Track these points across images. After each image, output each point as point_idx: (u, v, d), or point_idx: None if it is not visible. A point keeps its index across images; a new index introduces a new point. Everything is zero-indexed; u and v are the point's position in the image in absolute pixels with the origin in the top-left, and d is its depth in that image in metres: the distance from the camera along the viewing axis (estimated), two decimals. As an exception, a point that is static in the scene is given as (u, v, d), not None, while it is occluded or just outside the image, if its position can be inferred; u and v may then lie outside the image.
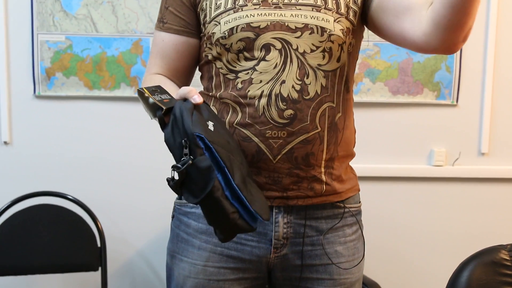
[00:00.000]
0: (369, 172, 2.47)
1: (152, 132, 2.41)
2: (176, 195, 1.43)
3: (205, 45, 1.35)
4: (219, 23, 1.30)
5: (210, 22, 1.32)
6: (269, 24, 1.28)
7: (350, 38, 1.34)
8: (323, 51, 1.29)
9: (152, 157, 2.44)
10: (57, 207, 2.27)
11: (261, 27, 1.28)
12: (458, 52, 2.48)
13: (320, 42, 1.29)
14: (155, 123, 2.45)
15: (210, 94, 1.34)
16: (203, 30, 1.34)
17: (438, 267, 2.57)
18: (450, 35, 1.20)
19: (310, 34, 1.29)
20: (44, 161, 2.40)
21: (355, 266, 1.38)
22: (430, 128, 2.54)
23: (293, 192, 1.31)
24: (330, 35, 1.29)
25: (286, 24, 1.28)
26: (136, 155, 2.44)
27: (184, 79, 1.42)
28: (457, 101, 2.53)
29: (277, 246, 1.33)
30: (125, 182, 2.44)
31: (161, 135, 2.39)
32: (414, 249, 2.60)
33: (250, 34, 1.28)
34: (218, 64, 1.32)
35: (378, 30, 1.37)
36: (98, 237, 2.26)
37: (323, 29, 1.29)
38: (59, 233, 2.24)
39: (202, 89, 1.39)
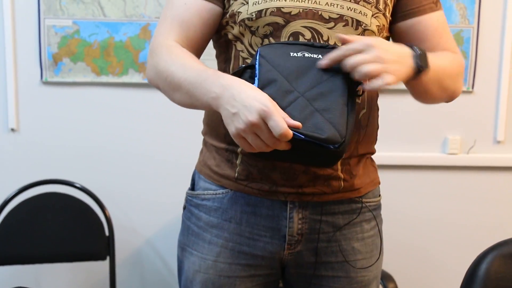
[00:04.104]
0: (381, 161, 2.38)
1: (161, 120, 2.38)
2: (188, 185, 1.39)
3: (225, 23, 1.25)
4: (247, 3, 1.20)
5: (236, 0, 1.22)
6: (301, 11, 1.19)
7: (382, 36, 1.27)
8: None
9: (161, 145, 2.40)
10: (64, 196, 2.24)
11: (292, 13, 1.19)
12: (475, 38, 2.42)
13: None
14: (163, 112, 2.40)
15: (240, 65, 1.24)
16: (227, 6, 1.24)
17: (454, 259, 2.52)
18: (427, 102, 1.34)
19: (343, 26, 1.21)
20: (51, 149, 2.37)
21: (373, 264, 1.33)
22: (444, 115, 2.48)
23: (309, 189, 1.25)
24: (364, 30, 1.22)
25: (320, 13, 1.20)
26: (144, 143, 2.40)
27: (199, 50, 1.29)
28: (472, 87, 2.48)
29: (291, 243, 1.28)
30: (134, 171, 2.41)
31: (170, 123, 2.36)
32: (428, 240, 2.55)
33: (280, 20, 1.19)
34: (239, 46, 1.24)
35: (397, 42, 1.31)
36: (106, 226, 2.23)
37: (358, 23, 1.21)
38: (67, 221, 2.21)
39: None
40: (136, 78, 2.35)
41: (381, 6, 1.24)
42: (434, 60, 1.18)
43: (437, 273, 2.57)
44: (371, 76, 1.07)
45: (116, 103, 2.37)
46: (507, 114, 2.50)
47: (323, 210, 1.27)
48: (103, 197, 2.28)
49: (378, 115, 1.36)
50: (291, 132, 1.00)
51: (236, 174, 1.26)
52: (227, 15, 1.24)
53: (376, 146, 1.39)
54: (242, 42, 1.23)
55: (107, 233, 2.23)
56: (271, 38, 1.20)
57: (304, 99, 1.07)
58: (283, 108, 1.05)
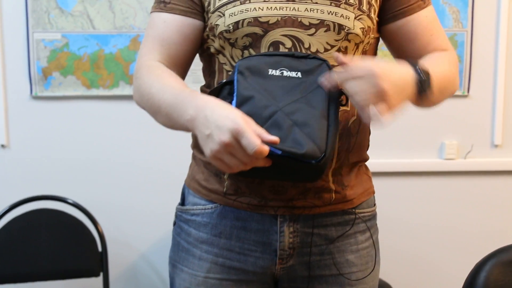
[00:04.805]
0: (378, 168, 2.39)
1: (154, 131, 2.34)
2: (178, 199, 1.36)
3: (207, 36, 1.22)
4: (224, 15, 1.17)
5: (213, 12, 1.19)
6: (279, 19, 1.15)
7: (369, 38, 1.22)
8: (338, 50, 1.18)
9: (154, 157, 2.37)
10: (56, 212, 2.21)
11: (270, 22, 1.16)
12: (469, 41, 2.40)
13: (336, 40, 1.17)
14: (156, 124, 2.38)
15: (220, 81, 1.21)
16: (206, 19, 1.21)
17: (453, 265, 2.48)
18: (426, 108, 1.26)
19: (325, 31, 1.17)
20: (42, 164, 2.34)
21: (368, 275, 1.29)
22: (440, 120, 2.46)
23: (299, 202, 1.21)
24: (347, 34, 1.17)
25: (299, 20, 1.16)
26: (137, 156, 2.37)
27: (184, 67, 1.26)
28: (468, 91, 2.45)
29: (282, 257, 1.24)
30: (127, 184, 2.38)
31: (162, 134, 2.33)
32: (426, 248, 2.52)
33: (258, 30, 1.16)
34: (222, 58, 1.21)
35: (387, 43, 1.30)
36: (99, 241, 2.19)
37: (340, 27, 1.16)
38: (59, 238, 2.18)
39: (203, 85, 1.29)
40: (127, 90, 2.33)
41: (364, 7, 1.20)
42: (436, 73, 1.14)
43: (435, 281, 2.53)
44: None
45: (108, 116, 2.35)
46: (504, 117, 2.47)
47: (314, 222, 1.24)
48: (95, 211, 2.25)
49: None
50: (266, 148, 0.97)
51: (224, 189, 1.24)
52: (207, 28, 1.22)
53: (371, 153, 1.36)
54: (224, 55, 1.21)
55: (100, 248, 2.20)
56: (251, 49, 1.18)
57: (282, 113, 1.06)
58: (262, 124, 1.03)
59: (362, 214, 1.29)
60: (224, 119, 0.99)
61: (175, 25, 1.22)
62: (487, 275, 1.53)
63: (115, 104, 2.34)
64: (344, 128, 1.21)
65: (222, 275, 1.25)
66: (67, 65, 2.29)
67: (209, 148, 1.01)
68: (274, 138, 0.99)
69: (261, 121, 1.04)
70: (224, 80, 1.13)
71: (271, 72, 1.11)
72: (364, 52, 1.24)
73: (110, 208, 2.37)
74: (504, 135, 2.48)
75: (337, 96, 1.10)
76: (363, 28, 1.19)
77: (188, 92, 1.10)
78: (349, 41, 1.19)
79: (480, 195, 2.50)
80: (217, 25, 1.18)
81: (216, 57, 1.22)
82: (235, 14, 1.16)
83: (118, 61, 2.31)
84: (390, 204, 2.45)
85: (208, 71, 1.27)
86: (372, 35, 1.24)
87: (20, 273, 2.14)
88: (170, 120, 1.13)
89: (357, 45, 1.20)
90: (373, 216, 1.34)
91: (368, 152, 1.35)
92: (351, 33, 1.18)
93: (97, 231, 2.20)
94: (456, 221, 2.51)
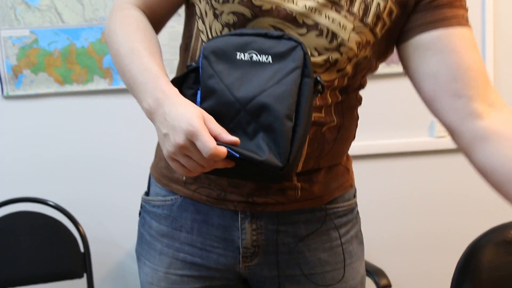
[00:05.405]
0: (366, 150, 2.33)
1: (134, 126, 2.27)
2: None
3: None
4: None
5: None
6: (273, 7, 1.02)
7: (366, 52, 1.08)
8: (326, 60, 1.05)
9: (134, 152, 2.29)
10: (35, 214, 2.13)
11: (263, 8, 1.03)
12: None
13: (326, 49, 1.04)
14: (133, 117, 2.31)
15: (188, 64, 1.07)
16: None
17: (447, 248, 2.42)
18: None
19: (317, 36, 1.03)
20: (19, 165, 2.26)
21: (343, 277, 1.19)
22: (429, 97, 2.39)
23: (260, 198, 1.11)
24: (340, 45, 1.04)
25: (293, 15, 1.03)
26: (117, 151, 2.30)
27: (163, 18, 1.15)
28: (456, 66, 2.38)
29: (246, 255, 1.15)
30: (108, 180, 2.30)
31: (143, 128, 2.26)
32: (422, 229, 2.45)
33: (247, 12, 1.03)
34: (200, 25, 1.09)
35: (414, 60, 1.10)
36: (81, 242, 2.12)
37: (334, 35, 1.03)
38: (39, 241, 2.10)
39: (181, 45, 1.18)
40: (102, 84, 2.24)
41: (369, 20, 1.05)
42: None
43: (429, 264, 2.47)
44: None
45: (84, 112, 2.27)
46: (494, 91, 2.40)
47: (280, 220, 1.14)
48: (77, 211, 2.17)
49: (356, 125, 1.20)
50: (223, 150, 0.89)
51: (184, 177, 1.15)
52: None
53: (359, 135, 1.25)
54: (203, 23, 1.09)
55: (82, 249, 2.12)
56: (232, 30, 1.05)
57: (246, 115, 0.96)
58: (226, 124, 0.95)
59: (336, 210, 1.19)
60: (180, 119, 0.91)
61: None
62: (480, 256, 1.47)
63: (91, 100, 2.26)
64: (316, 133, 1.09)
65: (183, 271, 1.17)
66: (38, 62, 2.21)
67: (165, 149, 0.94)
68: (234, 139, 0.91)
69: (225, 120, 0.96)
70: (190, 64, 1.03)
71: (239, 56, 1.00)
72: (357, 66, 1.10)
73: (92, 207, 2.29)
74: (495, 109, 2.41)
75: (311, 85, 0.98)
76: (359, 42, 1.05)
77: (154, 74, 0.99)
78: (341, 54, 1.05)
79: (474, 172, 2.43)
80: None
81: (197, 20, 1.11)
82: None
83: (90, 55, 2.22)
84: (382, 187, 2.39)
85: (187, 30, 1.15)
86: (370, 50, 1.09)
87: (0, 280, 2.07)
88: (131, 92, 1.04)
89: (349, 59, 1.06)
90: (351, 210, 1.23)
91: (357, 135, 1.22)
92: (343, 45, 1.04)
93: (78, 231, 2.12)
94: (450, 200, 2.44)
